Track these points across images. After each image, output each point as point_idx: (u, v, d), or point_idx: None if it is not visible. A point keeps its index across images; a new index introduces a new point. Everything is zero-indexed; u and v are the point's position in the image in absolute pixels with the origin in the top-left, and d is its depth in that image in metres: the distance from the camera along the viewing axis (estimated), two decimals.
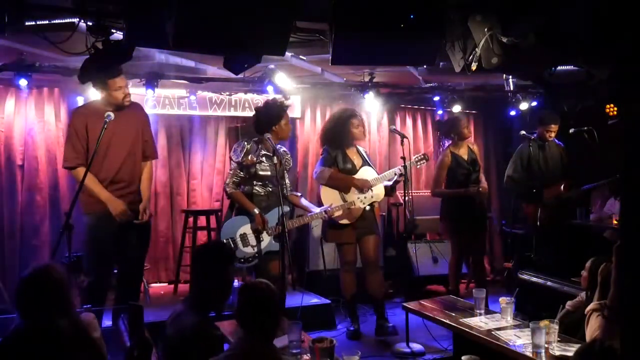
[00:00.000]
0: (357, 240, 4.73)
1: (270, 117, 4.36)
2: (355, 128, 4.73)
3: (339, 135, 4.74)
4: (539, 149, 5.41)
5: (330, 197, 4.68)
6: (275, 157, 4.12)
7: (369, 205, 4.69)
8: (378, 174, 4.79)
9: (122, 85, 3.96)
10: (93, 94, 5.06)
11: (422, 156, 4.94)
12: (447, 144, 5.44)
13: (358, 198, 4.67)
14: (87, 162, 3.83)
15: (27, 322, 2.29)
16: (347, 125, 4.72)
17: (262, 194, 4.35)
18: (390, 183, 4.73)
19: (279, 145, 4.45)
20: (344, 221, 4.66)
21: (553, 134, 5.42)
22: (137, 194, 4.17)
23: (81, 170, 3.81)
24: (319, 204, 4.70)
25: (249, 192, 4.35)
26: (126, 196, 4.04)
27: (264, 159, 4.33)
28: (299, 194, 4.69)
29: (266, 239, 4.30)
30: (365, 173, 4.75)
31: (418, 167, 5.01)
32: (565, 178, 5.50)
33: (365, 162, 4.82)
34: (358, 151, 4.87)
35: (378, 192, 4.74)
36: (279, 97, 4.84)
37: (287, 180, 4.51)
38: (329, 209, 4.48)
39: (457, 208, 5.20)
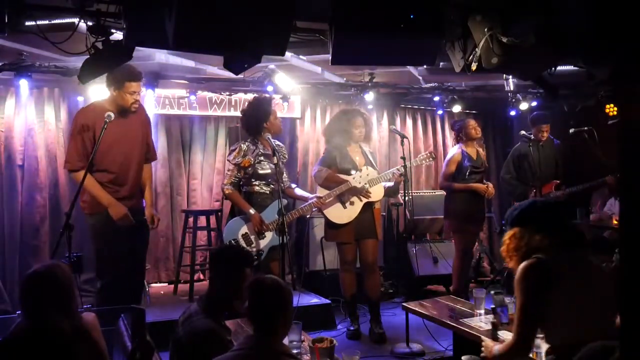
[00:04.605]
0: (356, 241, 4.72)
1: (259, 116, 4.35)
2: (356, 128, 4.69)
3: (338, 133, 4.73)
4: (536, 149, 5.45)
5: None
6: (275, 157, 4.11)
7: (365, 183, 4.59)
8: (379, 174, 4.76)
9: (136, 91, 3.95)
10: (93, 94, 5.07)
11: (428, 154, 4.93)
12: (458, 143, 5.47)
13: (354, 178, 4.59)
14: (89, 163, 3.79)
15: (29, 320, 2.29)
16: (348, 124, 4.69)
17: (267, 192, 4.37)
18: (392, 184, 4.71)
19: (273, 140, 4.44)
20: (339, 220, 4.64)
21: (545, 134, 5.54)
22: (139, 196, 4.17)
23: (82, 174, 3.77)
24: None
25: (251, 192, 4.36)
26: (130, 198, 4.02)
27: (262, 158, 4.33)
28: (294, 186, 4.70)
29: (268, 235, 4.31)
30: (366, 172, 4.71)
31: (424, 165, 5.01)
32: (556, 178, 5.55)
33: (367, 162, 4.78)
34: (362, 150, 4.82)
35: (377, 191, 4.70)
36: (260, 95, 4.86)
37: (284, 175, 4.54)
38: (316, 198, 4.48)
39: (462, 206, 5.21)
